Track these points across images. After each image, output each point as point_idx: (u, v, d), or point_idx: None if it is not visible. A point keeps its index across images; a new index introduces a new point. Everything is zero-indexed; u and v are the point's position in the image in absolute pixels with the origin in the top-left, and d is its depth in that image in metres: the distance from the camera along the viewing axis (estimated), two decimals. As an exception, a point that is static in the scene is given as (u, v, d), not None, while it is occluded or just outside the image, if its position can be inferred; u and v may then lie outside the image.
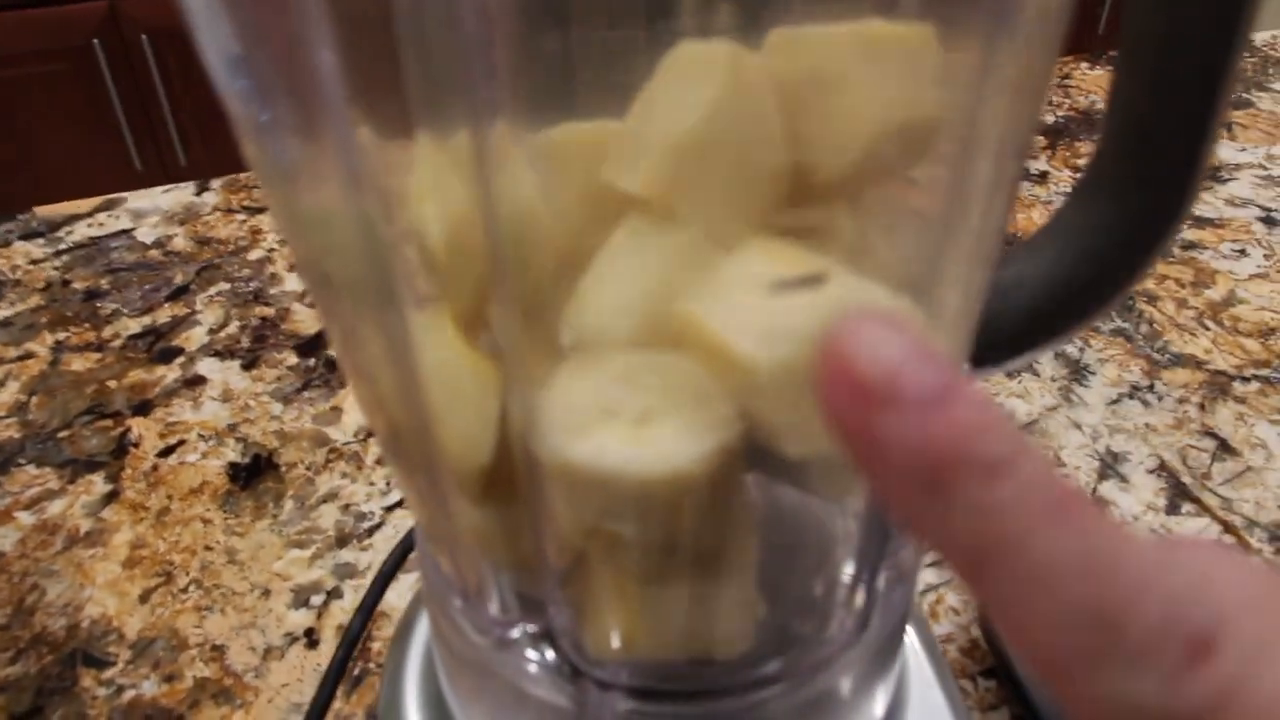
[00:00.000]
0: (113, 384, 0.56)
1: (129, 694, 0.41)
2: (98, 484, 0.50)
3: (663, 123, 0.19)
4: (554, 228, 0.21)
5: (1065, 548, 0.11)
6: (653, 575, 0.20)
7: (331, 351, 0.58)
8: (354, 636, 0.35)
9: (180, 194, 0.73)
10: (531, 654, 0.23)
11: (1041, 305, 0.23)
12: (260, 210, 0.71)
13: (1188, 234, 0.70)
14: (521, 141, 0.19)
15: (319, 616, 0.44)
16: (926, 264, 0.21)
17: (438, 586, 0.25)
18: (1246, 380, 0.57)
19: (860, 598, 0.23)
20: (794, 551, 0.24)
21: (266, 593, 0.45)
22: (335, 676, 0.34)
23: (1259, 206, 0.73)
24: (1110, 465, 0.52)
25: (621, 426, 0.17)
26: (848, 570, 0.23)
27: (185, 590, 0.45)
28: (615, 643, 0.21)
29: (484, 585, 0.23)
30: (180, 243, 0.68)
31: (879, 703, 0.29)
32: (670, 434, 0.17)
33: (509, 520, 0.21)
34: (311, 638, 0.43)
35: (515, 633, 0.23)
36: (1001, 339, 0.23)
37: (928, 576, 0.46)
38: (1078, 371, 0.58)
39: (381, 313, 0.20)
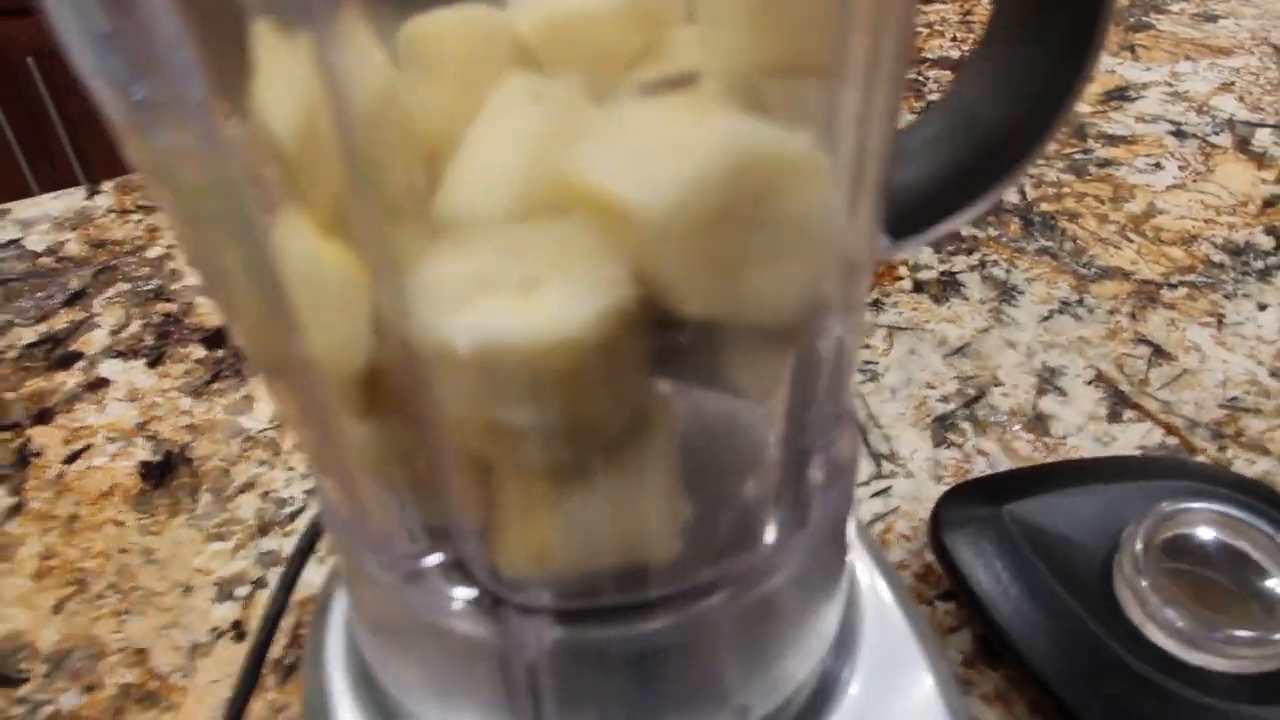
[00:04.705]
0: (10, 395, 0.53)
1: (46, 710, 0.38)
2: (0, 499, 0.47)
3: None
4: (420, 118, 0.19)
5: None
6: (560, 472, 0.18)
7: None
8: (274, 616, 0.33)
9: (70, 199, 0.70)
10: (446, 590, 0.21)
11: (958, 164, 0.22)
12: (156, 207, 0.68)
13: (1102, 152, 0.70)
14: (375, 32, 0.18)
15: (245, 607, 0.41)
16: (820, 116, 0.19)
17: (340, 531, 0.23)
18: (1174, 287, 0.57)
19: (793, 494, 0.22)
20: (718, 451, 0.22)
21: (188, 589, 0.43)
22: (257, 660, 0.32)
23: (1168, 121, 0.73)
24: (1048, 380, 0.51)
25: (503, 296, 0.15)
26: (777, 467, 0.22)
27: (101, 596, 0.43)
28: (530, 558, 0.19)
29: (384, 517, 0.21)
30: (74, 247, 0.65)
31: (829, 619, 0.27)
32: (556, 299, 0.15)
33: (399, 433, 0.19)
34: (239, 630, 0.41)
35: (426, 564, 0.21)
36: (924, 202, 0.22)
37: (874, 506, 0.45)
38: (1006, 292, 0.57)
39: (243, 232, 0.18)
